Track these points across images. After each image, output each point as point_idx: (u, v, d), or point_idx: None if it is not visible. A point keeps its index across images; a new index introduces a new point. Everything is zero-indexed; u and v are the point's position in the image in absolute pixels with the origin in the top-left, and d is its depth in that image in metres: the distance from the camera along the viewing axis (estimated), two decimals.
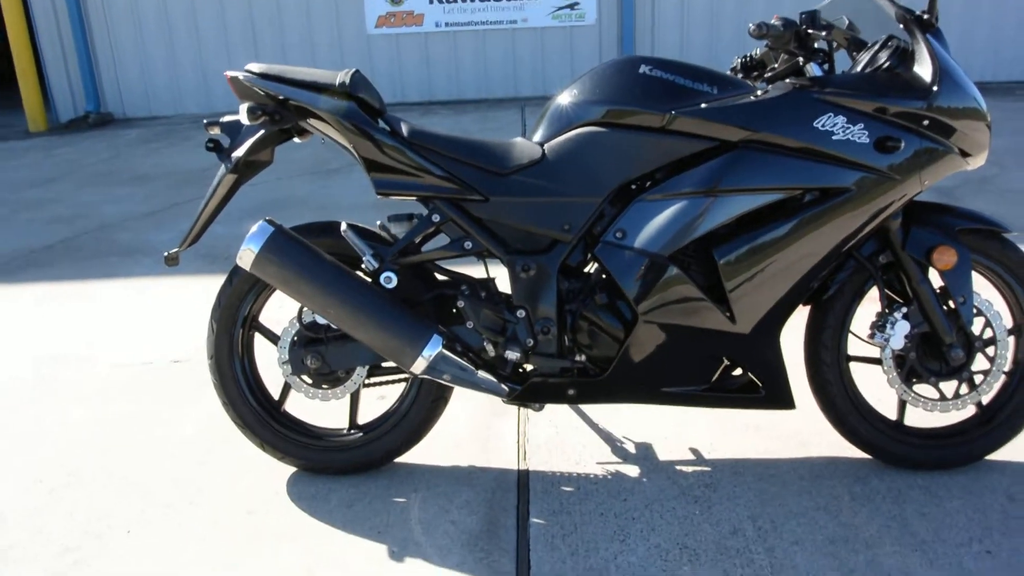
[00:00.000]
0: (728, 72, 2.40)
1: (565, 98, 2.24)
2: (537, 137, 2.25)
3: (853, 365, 2.36)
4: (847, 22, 2.42)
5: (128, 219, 5.46)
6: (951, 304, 2.24)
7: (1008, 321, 2.35)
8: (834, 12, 2.44)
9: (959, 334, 2.25)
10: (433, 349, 2.15)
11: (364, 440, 2.43)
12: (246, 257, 2.15)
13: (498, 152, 2.22)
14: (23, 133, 8.91)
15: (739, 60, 2.47)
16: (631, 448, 2.55)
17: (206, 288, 4.00)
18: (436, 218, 2.23)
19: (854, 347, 2.34)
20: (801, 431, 2.58)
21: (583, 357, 2.26)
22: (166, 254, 2.37)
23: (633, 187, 2.18)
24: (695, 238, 2.10)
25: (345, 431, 2.48)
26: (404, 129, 2.21)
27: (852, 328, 2.32)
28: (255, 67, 2.29)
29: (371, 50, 9.33)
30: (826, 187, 2.08)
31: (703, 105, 2.10)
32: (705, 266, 2.16)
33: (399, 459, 2.48)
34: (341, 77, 2.22)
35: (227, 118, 2.33)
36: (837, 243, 2.12)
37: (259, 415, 2.42)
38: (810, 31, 2.12)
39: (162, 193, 6.07)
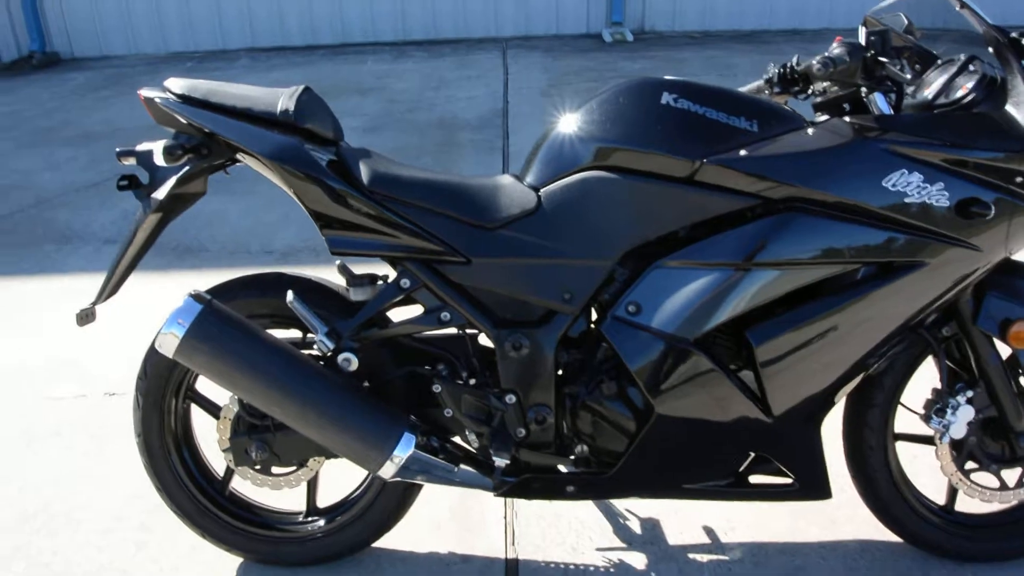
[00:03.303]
0: (763, 86, 1.96)
1: (567, 128, 1.80)
2: (531, 178, 1.82)
3: (900, 444, 2.00)
4: (906, 22, 1.98)
5: (69, 191, 4.95)
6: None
7: None
8: (892, 11, 1.99)
9: None
10: (404, 450, 1.77)
11: (324, 531, 2.05)
12: (167, 343, 1.73)
13: (482, 199, 1.79)
14: None
15: (775, 70, 2.01)
16: (635, 528, 2.19)
17: (159, 291, 3.53)
18: (406, 283, 1.80)
19: (901, 421, 1.97)
20: (830, 504, 2.23)
21: (585, 449, 1.87)
22: (77, 312, 1.93)
23: (652, 249, 1.76)
24: (725, 319, 1.70)
25: (302, 517, 2.10)
26: (364, 170, 1.77)
27: (903, 400, 1.96)
28: (176, 85, 1.83)
29: None
30: (892, 259, 1.68)
31: (742, 152, 1.67)
32: (735, 348, 1.76)
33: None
34: (284, 103, 1.78)
35: (143, 146, 1.87)
36: (899, 325, 1.73)
37: (198, 503, 2.03)
38: (881, 59, 1.68)
39: (109, 156, 5.51)
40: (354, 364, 1.82)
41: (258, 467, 1.95)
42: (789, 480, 1.90)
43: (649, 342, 1.72)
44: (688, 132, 1.70)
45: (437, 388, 1.84)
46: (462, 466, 1.86)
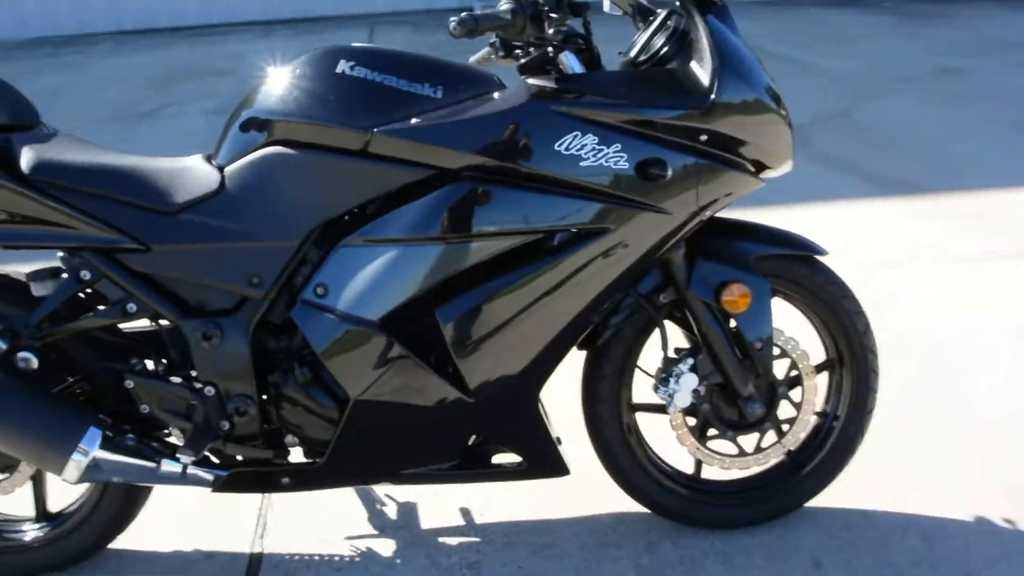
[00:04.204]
0: (489, 51, 1.88)
1: (251, 104, 1.71)
2: (219, 158, 1.71)
3: (644, 415, 1.97)
4: None
5: None
6: (747, 349, 1.84)
7: (818, 356, 1.98)
8: None
9: (758, 382, 1.87)
10: (87, 451, 1.66)
11: (45, 539, 1.93)
12: None
13: (162, 182, 1.68)
14: None
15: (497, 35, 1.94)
16: (391, 513, 2.12)
17: None
18: (86, 275, 1.69)
19: (640, 390, 1.93)
20: (588, 474, 2.17)
21: (295, 439, 1.79)
22: None
23: (345, 227, 1.67)
24: (410, 297, 1.62)
25: (31, 521, 1.97)
26: (31, 158, 1.65)
27: (641, 365, 1.92)
28: None
29: None
30: (576, 227, 1.62)
31: (413, 121, 1.59)
32: (426, 328, 1.69)
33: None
34: None
35: None
36: (598, 294, 1.68)
37: None
38: (554, 14, 1.61)
39: None
40: (34, 363, 1.70)
41: None
42: (518, 459, 1.84)
43: (335, 325, 1.63)
44: (361, 102, 1.61)
45: (130, 384, 1.73)
46: (167, 464, 1.76)
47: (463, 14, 1.54)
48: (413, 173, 1.60)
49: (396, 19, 8.17)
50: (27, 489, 1.92)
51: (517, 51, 1.87)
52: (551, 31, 1.58)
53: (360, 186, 1.62)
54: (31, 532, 1.95)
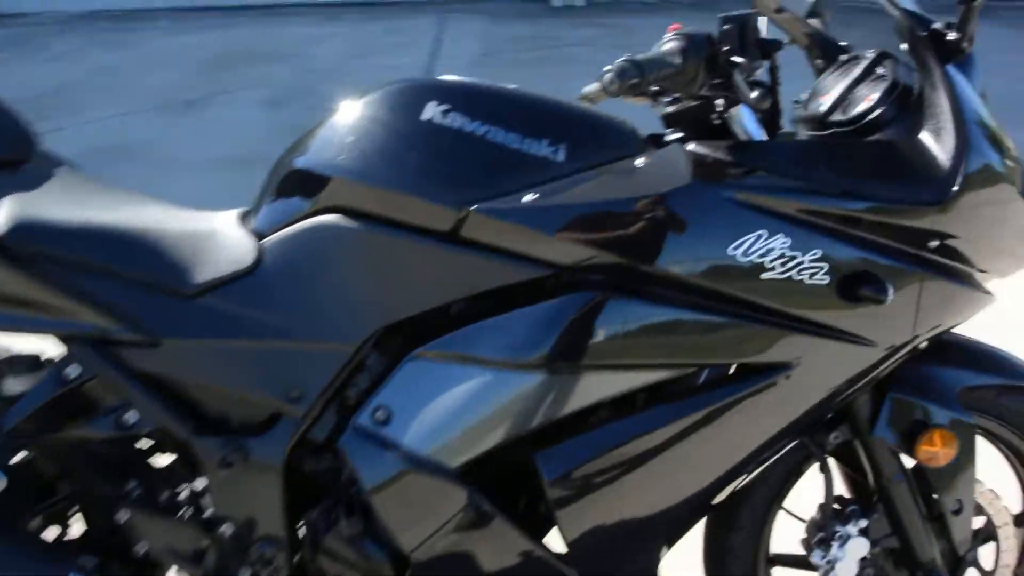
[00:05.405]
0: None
1: (307, 151, 1.27)
2: (257, 221, 1.28)
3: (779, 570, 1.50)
4: (810, 1, 1.43)
5: None
6: (937, 508, 1.37)
7: (1017, 505, 1.50)
8: None
9: (943, 548, 1.39)
10: None
11: None
12: None
13: (178, 251, 1.26)
14: None
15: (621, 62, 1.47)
16: None
17: None
18: (73, 372, 1.27)
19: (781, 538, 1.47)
20: None
21: None
22: None
23: (417, 331, 1.23)
24: (502, 441, 1.17)
25: None
26: (11, 215, 1.23)
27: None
28: None
29: None
30: (741, 361, 1.15)
31: (528, 197, 1.14)
32: (518, 474, 1.24)
33: None
34: None
35: None
36: (758, 447, 1.22)
37: None
38: (737, 58, 1.14)
39: None
40: (2, 482, 1.29)
41: None
42: None
43: (397, 464, 1.19)
44: (456, 164, 1.17)
45: (124, 515, 1.31)
46: None
47: (621, 62, 1.07)
48: (519, 270, 1.15)
49: (469, 6, 7.67)
50: None
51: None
52: (739, 79, 1.11)
53: (445, 281, 1.18)
54: None
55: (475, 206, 1.13)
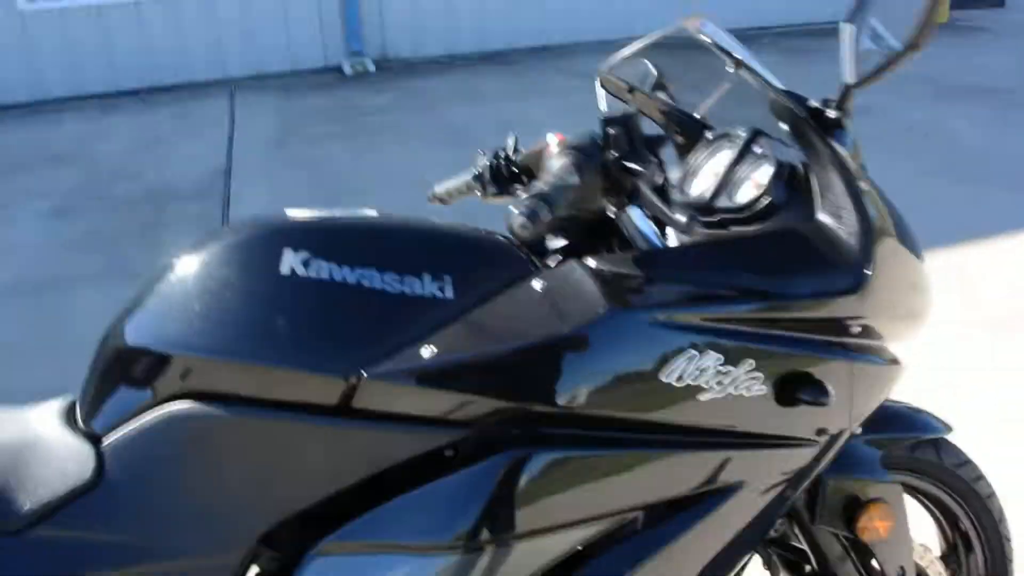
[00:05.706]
0: (472, 185, 1.31)
1: (140, 325, 1.06)
2: (92, 419, 1.05)
3: None
4: (655, 73, 1.37)
5: None
6: None
7: (939, 548, 1.50)
8: (635, 60, 1.39)
9: None
10: None
11: None
12: None
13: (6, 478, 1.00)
14: None
15: (485, 161, 1.36)
16: None
17: None
18: None
19: None
20: None
21: None
22: None
23: (314, 523, 1.03)
24: None
25: None
26: None
27: None
28: None
29: (27, 30, 7.28)
30: (686, 493, 1.05)
31: (423, 349, 0.98)
32: None
33: None
34: None
35: None
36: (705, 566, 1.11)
37: None
38: (629, 162, 1.04)
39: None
40: None
41: None
42: None
43: None
44: (333, 322, 0.99)
45: None
46: None
47: (527, 202, 0.94)
48: (426, 437, 0.99)
49: (258, 84, 7.36)
50: None
51: (518, 183, 1.31)
52: (643, 187, 1.01)
53: (338, 463, 0.99)
54: None
55: (365, 370, 0.96)
